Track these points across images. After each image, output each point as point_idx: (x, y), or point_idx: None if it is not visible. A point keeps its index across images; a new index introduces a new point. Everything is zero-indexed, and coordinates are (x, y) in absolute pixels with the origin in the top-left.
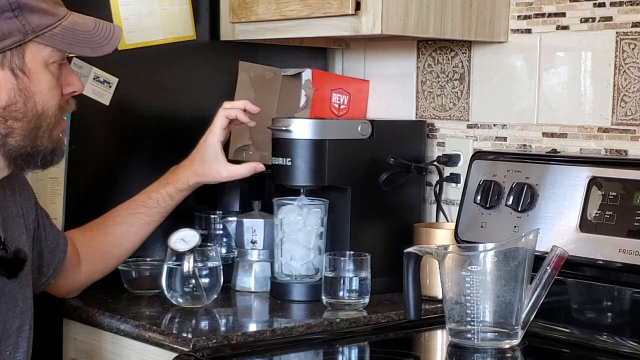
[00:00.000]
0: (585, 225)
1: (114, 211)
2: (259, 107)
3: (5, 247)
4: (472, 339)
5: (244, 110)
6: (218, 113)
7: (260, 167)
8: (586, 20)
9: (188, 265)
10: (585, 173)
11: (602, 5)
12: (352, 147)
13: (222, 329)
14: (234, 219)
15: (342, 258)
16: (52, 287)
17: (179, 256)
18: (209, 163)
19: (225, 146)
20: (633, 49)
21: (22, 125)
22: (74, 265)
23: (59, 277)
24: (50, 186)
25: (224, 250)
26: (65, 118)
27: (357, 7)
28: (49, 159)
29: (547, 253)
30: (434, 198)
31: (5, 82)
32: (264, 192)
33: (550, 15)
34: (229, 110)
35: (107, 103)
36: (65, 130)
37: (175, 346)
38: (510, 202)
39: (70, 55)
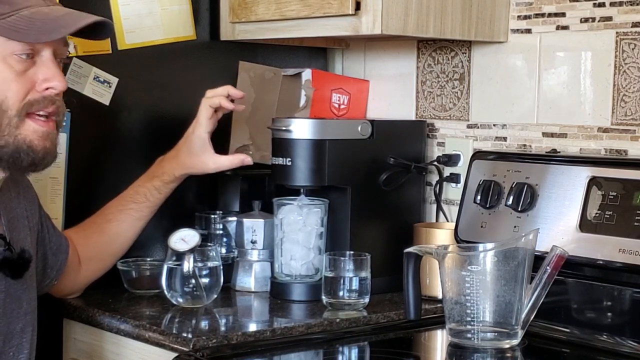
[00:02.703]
0: (585, 225)
1: (105, 209)
2: (242, 92)
3: (10, 247)
4: (472, 339)
5: (227, 97)
6: (202, 103)
7: (248, 160)
8: (586, 20)
9: (188, 265)
10: (585, 173)
11: (602, 5)
12: (352, 147)
13: (222, 329)
14: (234, 219)
15: (342, 258)
16: (54, 288)
17: (179, 256)
18: (197, 154)
19: (225, 145)
20: (633, 49)
21: None
22: (75, 265)
23: (61, 278)
24: (50, 186)
25: (224, 250)
26: (45, 120)
27: (357, 7)
28: (16, 162)
29: (547, 253)
30: (434, 198)
31: None
32: (264, 192)
33: (550, 15)
34: (212, 99)
35: (107, 103)
36: (38, 136)
37: (175, 346)
38: (510, 202)
39: (71, 55)
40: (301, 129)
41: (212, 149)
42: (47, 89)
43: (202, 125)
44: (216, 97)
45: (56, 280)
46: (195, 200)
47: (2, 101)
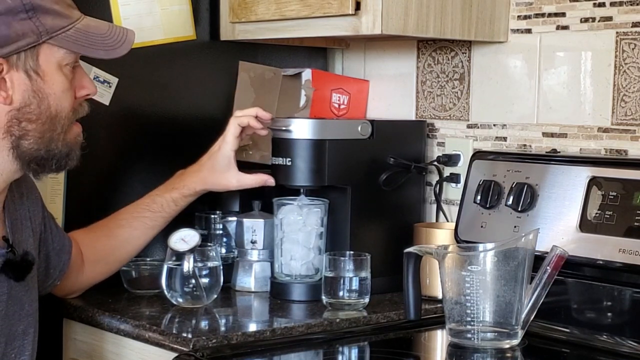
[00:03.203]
0: (585, 225)
1: (118, 214)
2: (270, 114)
3: (13, 250)
4: (472, 339)
5: (256, 117)
6: (230, 122)
7: (271, 181)
8: (586, 20)
9: (188, 265)
10: (585, 173)
11: (602, 5)
12: (352, 147)
13: (222, 329)
14: (234, 219)
15: (342, 258)
16: (55, 287)
17: (179, 256)
18: (221, 172)
19: None
20: (633, 49)
21: (36, 128)
22: (78, 266)
23: (63, 278)
24: (50, 186)
25: (224, 250)
26: (78, 122)
27: (357, 7)
28: (62, 163)
29: (547, 253)
30: (434, 198)
31: (19, 83)
32: (264, 192)
33: (550, 15)
34: (241, 118)
35: (107, 103)
36: (80, 134)
37: (175, 346)
38: (510, 202)
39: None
40: (301, 129)
41: (236, 167)
42: (84, 95)
43: (228, 144)
44: (245, 117)
45: (59, 280)
46: (195, 200)
47: (62, 110)
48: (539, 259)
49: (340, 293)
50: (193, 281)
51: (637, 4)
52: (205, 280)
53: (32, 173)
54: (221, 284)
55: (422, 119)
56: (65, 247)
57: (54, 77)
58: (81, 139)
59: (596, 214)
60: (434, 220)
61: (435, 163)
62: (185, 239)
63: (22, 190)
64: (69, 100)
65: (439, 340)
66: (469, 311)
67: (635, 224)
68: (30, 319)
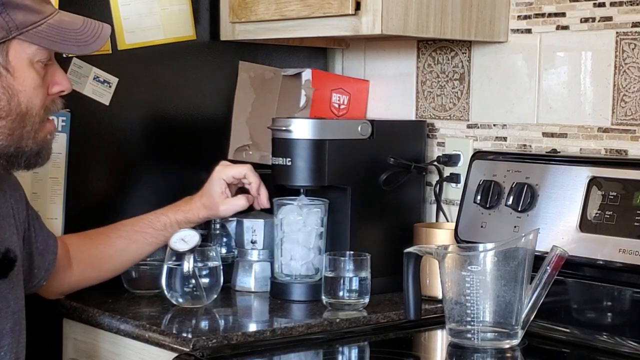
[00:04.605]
0: (585, 225)
1: (119, 224)
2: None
3: None
4: (472, 339)
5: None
6: (215, 172)
7: (252, 201)
8: (586, 20)
9: (188, 265)
10: (585, 173)
11: (602, 5)
12: (352, 147)
13: (222, 329)
14: (234, 219)
15: (342, 258)
16: (41, 289)
17: (179, 256)
18: (213, 197)
19: (225, 146)
20: (633, 49)
21: (5, 124)
22: (63, 267)
23: (49, 278)
24: (50, 186)
25: (224, 250)
26: (52, 119)
27: (357, 7)
28: (32, 160)
29: (547, 253)
30: (434, 198)
31: None
32: None
33: (550, 15)
34: (228, 173)
35: (107, 103)
36: (52, 132)
37: (175, 346)
38: (510, 202)
39: (70, 55)
40: (301, 129)
41: (229, 195)
42: (58, 92)
43: (218, 176)
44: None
45: (45, 280)
46: None
47: (32, 107)
48: (539, 259)
49: (340, 293)
50: (193, 281)
51: (637, 4)
52: (205, 280)
53: (1, 168)
54: (221, 284)
55: (422, 119)
56: (49, 248)
57: (24, 74)
58: (53, 137)
59: (596, 214)
60: (434, 220)
61: (435, 163)
62: (185, 239)
63: (5, 188)
64: (40, 97)
65: (439, 340)
66: (469, 311)
67: (635, 224)
68: (16, 317)
